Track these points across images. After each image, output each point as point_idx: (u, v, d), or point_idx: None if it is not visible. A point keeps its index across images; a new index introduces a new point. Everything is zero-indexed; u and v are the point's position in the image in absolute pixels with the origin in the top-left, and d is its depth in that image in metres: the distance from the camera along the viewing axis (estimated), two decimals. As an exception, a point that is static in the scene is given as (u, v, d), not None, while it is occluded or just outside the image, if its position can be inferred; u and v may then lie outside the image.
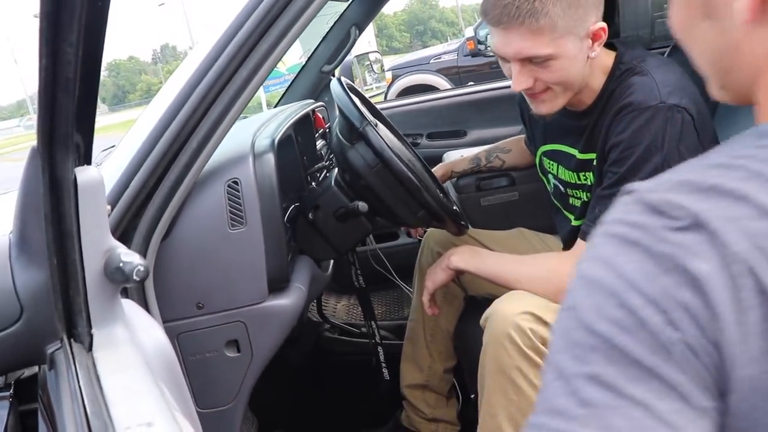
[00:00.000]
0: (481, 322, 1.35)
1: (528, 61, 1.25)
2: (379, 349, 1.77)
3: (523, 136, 1.85)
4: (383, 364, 1.78)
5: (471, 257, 1.44)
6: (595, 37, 1.26)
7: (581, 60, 1.27)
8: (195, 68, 1.16)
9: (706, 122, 1.31)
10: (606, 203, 1.26)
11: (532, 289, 1.33)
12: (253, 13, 1.14)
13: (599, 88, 1.35)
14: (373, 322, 1.76)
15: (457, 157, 2.06)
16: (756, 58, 0.53)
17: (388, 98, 8.16)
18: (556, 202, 1.58)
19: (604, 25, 1.26)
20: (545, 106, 1.34)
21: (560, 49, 1.23)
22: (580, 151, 1.40)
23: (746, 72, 0.54)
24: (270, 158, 1.28)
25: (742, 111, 1.63)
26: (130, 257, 0.81)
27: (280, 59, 1.19)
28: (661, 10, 6.94)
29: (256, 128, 1.42)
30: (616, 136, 1.26)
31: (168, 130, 1.14)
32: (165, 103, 1.16)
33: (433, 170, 1.86)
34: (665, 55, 1.93)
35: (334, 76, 2.71)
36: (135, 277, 0.80)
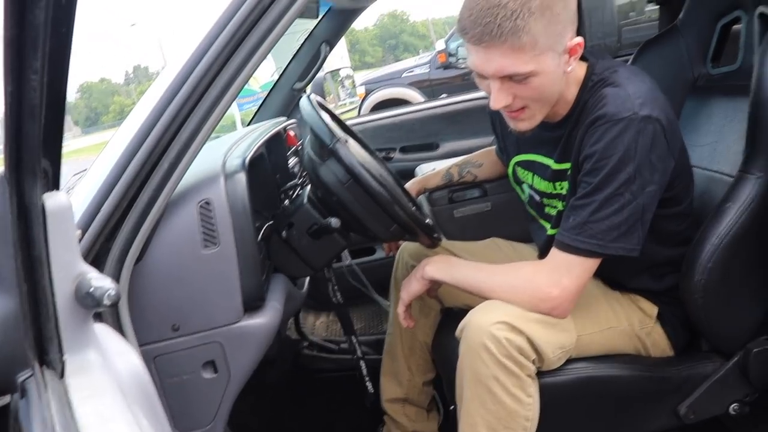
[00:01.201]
0: (457, 333, 1.35)
1: (508, 78, 1.26)
2: (362, 363, 1.77)
3: (494, 147, 1.87)
4: (366, 378, 1.78)
5: (445, 267, 1.45)
6: (571, 52, 1.28)
7: (559, 75, 1.29)
8: (165, 89, 1.16)
9: (676, 130, 1.34)
10: (580, 213, 1.28)
11: (508, 298, 1.34)
12: (222, 32, 1.15)
13: (573, 99, 1.37)
14: (353, 337, 1.77)
15: (430, 169, 2.08)
16: None
17: (361, 113, 8.19)
18: (531, 211, 1.60)
19: (580, 40, 1.28)
20: (524, 124, 1.35)
21: (541, 65, 1.24)
22: (556, 161, 1.42)
23: None
24: (241, 178, 1.28)
25: (703, 114, 1.67)
26: (101, 282, 0.81)
27: (249, 78, 1.20)
28: (627, 18, 7.05)
29: (227, 148, 1.42)
30: (590, 147, 1.28)
31: (139, 152, 1.14)
32: (136, 125, 1.17)
33: (405, 186, 1.87)
34: (629, 62, 1.96)
35: (305, 92, 2.72)
36: (106, 302, 0.80)
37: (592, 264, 1.31)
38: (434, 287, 1.53)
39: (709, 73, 1.75)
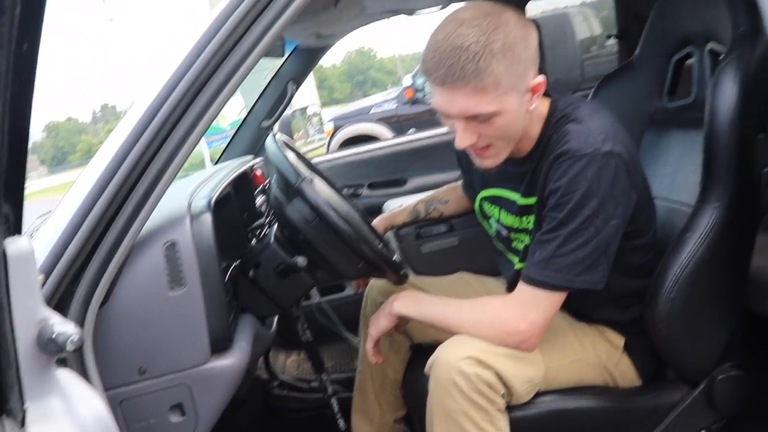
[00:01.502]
0: (426, 369, 1.36)
1: (472, 118, 1.27)
2: (333, 401, 1.75)
3: (460, 182, 1.89)
4: (338, 416, 1.77)
5: (413, 303, 1.46)
6: (534, 90, 1.31)
7: (522, 113, 1.31)
8: (130, 130, 1.16)
9: (637, 164, 1.37)
10: (546, 247, 1.30)
11: (476, 333, 1.34)
12: (187, 73, 1.16)
13: (537, 135, 1.39)
14: (324, 375, 1.75)
15: (397, 205, 2.09)
16: None
17: (330, 149, 8.22)
18: (498, 245, 1.61)
19: (542, 79, 1.31)
20: (489, 161, 1.37)
21: (504, 105, 1.26)
22: (522, 196, 1.44)
23: None
24: (207, 219, 1.28)
25: (661, 146, 1.71)
26: (63, 327, 0.80)
27: (214, 119, 1.20)
28: (589, 52, 7.20)
29: (193, 188, 1.42)
30: (554, 182, 1.30)
31: (104, 194, 1.13)
32: (101, 166, 1.16)
33: (372, 223, 1.88)
34: (589, 96, 2.01)
35: (273, 131, 2.73)
36: (69, 347, 0.79)
37: (558, 298, 1.32)
38: (402, 323, 1.53)
39: (666, 107, 1.80)
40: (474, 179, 1.64)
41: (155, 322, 1.23)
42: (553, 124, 1.37)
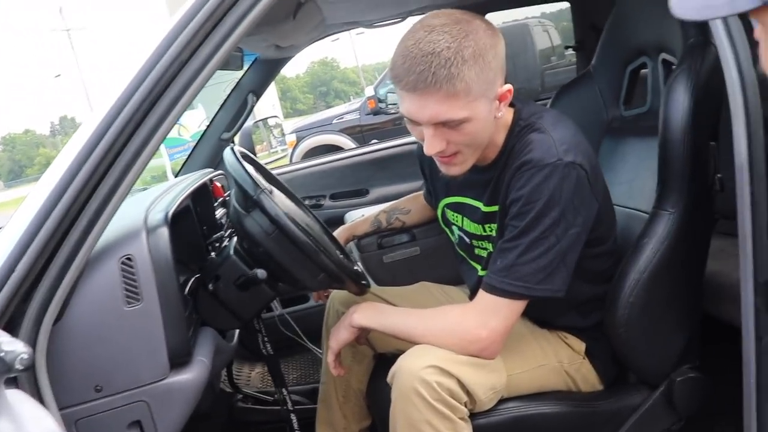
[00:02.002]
0: (388, 378, 1.35)
1: (442, 124, 1.27)
2: (292, 416, 1.74)
3: (422, 192, 1.90)
4: (297, 431, 1.75)
5: (373, 314, 1.45)
6: (501, 98, 1.32)
7: (490, 121, 1.32)
8: (83, 144, 1.14)
9: (598, 174, 1.39)
10: (507, 256, 1.31)
11: (437, 342, 1.35)
12: (140, 87, 1.14)
13: (501, 144, 1.40)
14: (284, 389, 1.74)
15: (359, 216, 2.09)
16: None
17: (293, 161, 8.19)
18: (461, 252, 1.62)
19: (510, 87, 1.32)
20: (456, 168, 1.37)
21: (474, 111, 1.26)
22: (485, 204, 1.44)
23: None
24: (164, 232, 1.26)
25: (618, 154, 1.74)
26: (11, 346, 0.78)
27: (170, 130, 1.19)
28: (549, 62, 7.30)
29: (149, 202, 1.40)
30: (516, 192, 1.31)
31: (56, 209, 1.11)
32: (53, 180, 1.14)
33: (333, 234, 1.87)
34: (548, 104, 2.04)
35: (234, 143, 2.71)
36: (18, 366, 0.77)
37: (519, 305, 1.33)
38: (363, 335, 1.53)
39: (622, 115, 1.83)
40: (437, 187, 1.65)
41: (111, 338, 1.21)
42: (517, 132, 1.38)
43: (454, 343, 1.34)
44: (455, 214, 1.58)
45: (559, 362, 1.48)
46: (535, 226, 1.28)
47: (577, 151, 1.31)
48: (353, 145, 8.25)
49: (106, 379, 1.22)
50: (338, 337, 1.47)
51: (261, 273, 1.39)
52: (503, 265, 1.31)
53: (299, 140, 9.36)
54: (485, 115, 1.29)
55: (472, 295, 1.58)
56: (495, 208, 1.41)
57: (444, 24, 1.24)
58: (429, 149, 1.31)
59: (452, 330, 1.35)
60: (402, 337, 1.41)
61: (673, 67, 1.52)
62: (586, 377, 1.50)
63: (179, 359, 1.27)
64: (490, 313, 1.33)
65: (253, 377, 2.60)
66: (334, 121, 9.63)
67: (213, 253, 1.61)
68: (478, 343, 1.33)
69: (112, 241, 1.23)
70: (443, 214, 1.64)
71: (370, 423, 1.79)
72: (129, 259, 1.21)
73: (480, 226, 1.48)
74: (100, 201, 1.12)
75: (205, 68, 1.16)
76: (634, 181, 1.67)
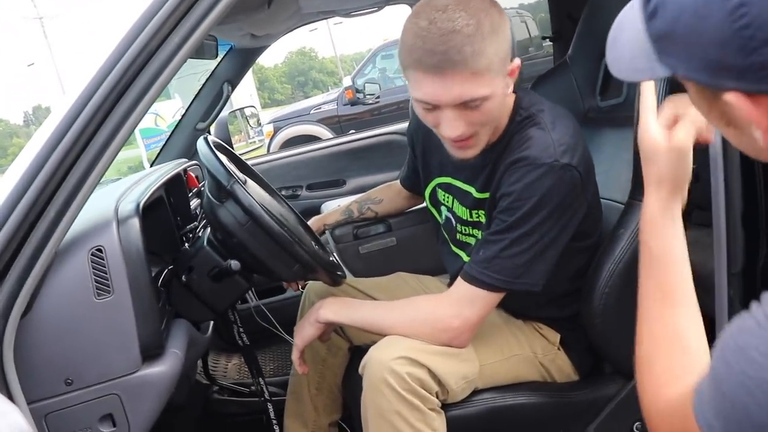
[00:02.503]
0: (359, 369, 1.35)
1: (463, 105, 1.24)
2: (269, 405, 1.73)
3: (395, 181, 1.89)
4: (274, 421, 1.74)
5: (340, 308, 1.44)
6: (511, 74, 1.30)
7: (503, 98, 1.31)
8: (51, 132, 1.12)
9: (591, 175, 1.39)
10: (490, 248, 1.30)
11: (408, 332, 1.34)
12: (111, 73, 1.11)
13: (502, 128, 1.39)
14: (261, 379, 1.73)
15: (335, 207, 2.08)
16: None
17: (271, 151, 8.15)
18: (444, 234, 1.60)
19: (518, 62, 1.30)
20: (471, 151, 1.35)
21: (493, 89, 1.24)
22: (477, 190, 1.43)
23: None
24: (135, 223, 1.24)
25: (594, 144, 1.74)
26: (-23, 339, 0.76)
27: (140, 120, 1.17)
28: (527, 53, 7.31)
29: (120, 193, 1.38)
30: (508, 186, 1.31)
31: (22, 200, 1.08)
32: (19, 170, 1.11)
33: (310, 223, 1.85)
34: (530, 86, 2.03)
35: (209, 133, 2.69)
36: (-17, 360, 0.75)
37: (495, 297, 1.33)
38: (329, 330, 1.51)
39: (598, 105, 1.83)
40: (431, 165, 1.60)
41: (82, 330, 1.19)
42: (518, 122, 1.37)
43: (426, 333, 1.33)
44: (446, 195, 1.56)
45: (533, 352, 1.48)
46: (523, 224, 1.28)
47: (574, 153, 1.31)
48: (331, 136, 8.22)
49: (77, 372, 1.20)
50: (302, 333, 1.46)
51: (235, 264, 1.38)
52: (485, 257, 1.31)
53: (277, 131, 9.33)
54: (501, 91, 1.28)
55: (452, 282, 1.58)
56: (486, 195, 1.40)
57: (456, 2, 1.21)
58: (452, 131, 1.27)
59: (424, 319, 1.35)
60: (372, 329, 1.40)
61: (649, 57, 1.52)
62: (561, 368, 1.51)
63: (151, 351, 1.25)
64: (466, 303, 1.32)
65: (229, 368, 2.58)
66: (312, 112, 9.60)
67: (186, 244, 1.59)
68: (449, 332, 1.33)
69: (82, 233, 1.21)
70: (433, 193, 1.61)
71: (340, 416, 1.79)
72: (99, 250, 1.19)
73: (469, 211, 1.47)
74: (69, 192, 1.10)
75: (175, 57, 1.14)
76: (609, 172, 1.67)
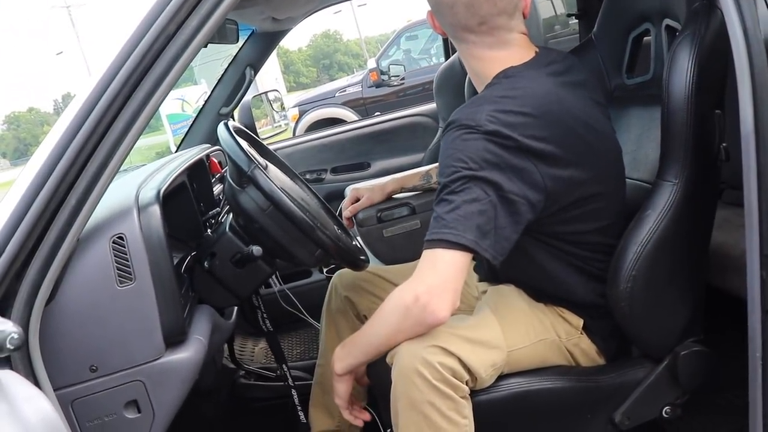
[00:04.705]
0: (388, 359, 1.33)
1: None
2: (293, 392, 1.73)
3: None
4: (298, 407, 1.75)
5: (345, 352, 1.40)
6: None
7: None
8: (71, 120, 1.12)
9: (560, 156, 1.31)
10: (436, 210, 1.27)
11: (392, 331, 1.31)
12: (129, 59, 1.11)
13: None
14: (284, 365, 1.73)
15: (368, 185, 2.07)
16: None
17: (296, 134, 8.17)
18: None
19: None
20: None
21: None
22: None
23: None
24: (155, 210, 1.24)
25: (622, 124, 1.70)
26: (2, 326, 0.77)
27: (159, 106, 1.17)
28: (552, 31, 7.21)
29: (141, 179, 1.38)
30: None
31: (44, 188, 1.09)
32: (41, 159, 1.12)
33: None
34: None
35: (233, 118, 2.69)
36: (9, 346, 0.76)
37: (456, 257, 1.25)
38: (360, 374, 1.48)
39: (625, 84, 1.79)
40: None
41: (105, 318, 1.20)
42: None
43: (400, 320, 1.28)
44: None
45: (558, 336, 1.46)
46: (451, 183, 1.25)
47: (511, 122, 1.26)
48: (356, 118, 8.21)
49: (101, 359, 1.21)
50: (338, 393, 1.43)
51: (257, 250, 1.38)
52: (433, 220, 1.27)
53: (302, 114, 9.33)
54: None
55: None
56: None
57: None
58: None
59: (395, 306, 1.30)
60: (378, 352, 1.36)
61: (677, 33, 1.48)
62: (586, 352, 1.48)
63: (175, 338, 1.26)
64: (427, 269, 1.26)
65: (256, 353, 2.60)
66: (337, 95, 9.58)
67: (209, 230, 1.60)
68: (418, 303, 1.25)
69: (103, 220, 1.22)
70: None
71: (365, 404, 1.78)
72: (120, 238, 1.20)
73: None
74: (89, 179, 1.11)
75: (194, 41, 1.13)
76: (637, 152, 1.63)
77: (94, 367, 1.21)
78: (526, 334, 1.43)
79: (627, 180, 1.60)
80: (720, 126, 1.37)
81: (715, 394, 1.60)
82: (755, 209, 1.18)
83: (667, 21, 1.59)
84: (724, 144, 1.37)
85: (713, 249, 1.52)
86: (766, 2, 1.24)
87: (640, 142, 1.63)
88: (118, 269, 1.20)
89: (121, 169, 1.18)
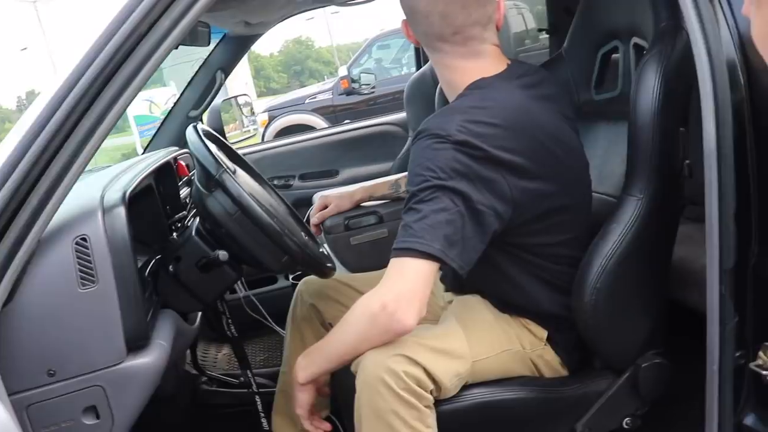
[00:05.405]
0: (352, 367, 1.32)
1: None
2: (257, 398, 1.72)
3: None
4: (262, 414, 1.73)
5: (308, 361, 1.39)
6: None
7: None
8: (35, 118, 1.10)
9: (528, 167, 1.32)
10: (404, 218, 1.28)
11: (359, 338, 1.30)
12: (97, 57, 1.10)
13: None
14: (248, 371, 1.72)
15: (336, 193, 2.07)
16: None
17: (265, 140, 8.14)
18: None
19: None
20: None
21: None
22: None
23: None
24: (120, 212, 1.23)
25: (589, 138, 1.72)
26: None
27: (127, 107, 1.15)
28: (523, 45, 7.26)
29: (107, 180, 1.36)
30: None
31: (4, 188, 1.07)
32: (1, 158, 1.09)
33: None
34: None
35: (202, 121, 2.67)
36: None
37: (423, 266, 1.25)
38: (320, 384, 1.46)
39: (593, 99, 1.81)
40: None
41: (65, 320, 1.18)
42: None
43: (367, 327, 1.28)
44: None
45: (522, 347, 1.47)
46: (419, 192, 1.26)
47: (481, 132, 1.27)
48: (326, 126, 8.20)
49: (60, 363, 1.18)
50: (299, 402, 1.41)
51: (223, 254, 1.37)
52: (401, 228, 1.28)
53: (272, 119, 9.30)
54: None
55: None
56: None
57: None
58: None
59: (361, 314, 1.29)
60: (344, 360, 1.35)
61: (644, 51, 1.51)
62: (550, 363, 1.49)
63: (137, 342, 1.24)
64: (395, 277, 1.26)
65: (219, 359, 2.57)
66: (307, 101, 9.57)
67: (175, 234, 1.58)
68: (386, 311, 1.25)
69: (67, 221, 1.19)
70: None
71: (329, 412, 1.77)
72: (84, 239, 1.18)
73: None
74: (52, 180, 1.09)
75: (164, 42, 1.12)
76: (604, 166, 1.65)
77: (51, 371, 1.18)
78: (490, 345, 1.43)
79: (594, 194, 1.62)
80: (684, 143, 1.40)
81: (673, 405, 1.62)
82: (716, 225, 1.20)
83: (636, 39, 1.62)
84: (687, 161, 1.40)
85: (674, 263, 1.55)
86: (728, 25, 1.27)
87: (606, 156, 1.66)
88: (80, 271, 1.17)
89: (86, 169, 1.16)
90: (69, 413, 1.20)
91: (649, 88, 1.37)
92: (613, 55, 1.77)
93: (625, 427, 1.52)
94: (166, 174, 1.74)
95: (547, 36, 2.92)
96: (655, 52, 1.39)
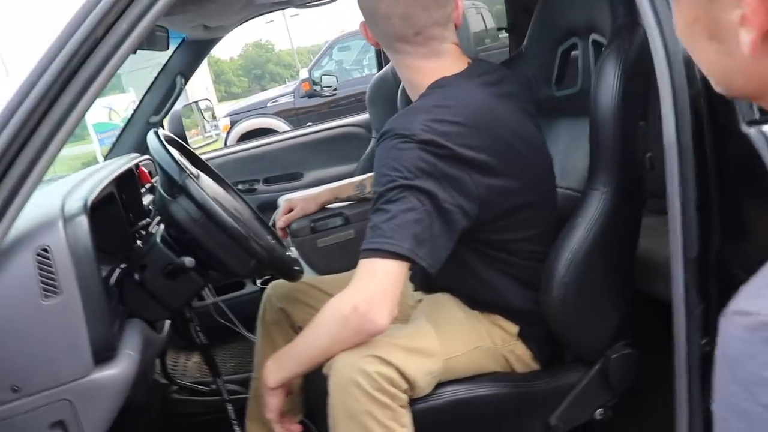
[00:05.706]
0: (324, 369, 1.32)
1: None
2: (229, 406, 1.70)
3: None
4: (234, 422, 1.71)
5: (277, 365, 1.38)
6: None
7: None
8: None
9: (492, 164, 1.33)
10: (372, 219, 1.27)
11: (340, 343, 1.29)
12: (53, 63, 1.07)
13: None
14: (218, 379, 1.70)
15: (301, 196, 2.06)
16: (763, 77, 0.57)
17: (228, 145, 8.07)
18: None
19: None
20: None
21: None
22: None
23: (752, 86, 0.58)
24: (82, 221, 1.20)
25: (551, 134, 1.74)
26: None
27: (84, 113, 1.12)
28: (483, 44, 7.32)
29: (67, 189, 1.33)
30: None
31: None
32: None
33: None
34: None
35: (163, 127, 2.64)
36: None
37: (394, 266, 1.25)
38: (291, 387, 1.46)
39: (554, 95, 1.83)
40: None
41: (28, 334, 1.14)
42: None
43: (339, 329, 1.28)
44: None
45: (494, 343, 1.48)
46: (387, 192, 1.26)
47: (443, 130, 1.28)
48: (288, 129, 8.16)
49: (24, 379, 1.15)
50: (269, 407, 1.40)
51: (189, 261, 1.35)
52: (369, 229, 1.27)
53: (233, 124, 9.23)
54: None
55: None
56: None
57: None
58: None
59: (331, 317, 1.29)
60: (315, 363, 1.34)
61: (603, 47, 1.53)
62: (521, 358, 1.51)
63: (104, 354, 1.22)
64: (366, 277, 1.26)
65: (189, 367, 2.54)
66: (269, 105, 9.53)
67: (139, 242, 1.56)
68: (358, 312, 1.24)
69: (26, 232, 1.16)
70: None
71: (303, 415, 1.76)
72: (45, 250, 1.15)
73: None
74: (9, 190, 1.06)
75: (122, 47, 1.10)
76: (566, 162, 1.67)
77: (16, 387, 1.15)
78: (462, 342, 1.44)
79: (558, 189, 1.63)
80: (644, 137, 1.42)
81: (644, 395, 1.65)
82: (678, 215, 1.22)
83: (594, 36, 1.64)
84: (648, 154, 1.42)
85: (639, 255, 1.57)
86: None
87: (569, 152, 1.67)
88: (42, 283, 1.14)
89: (45, 179, 1.14)
90: (36, 429, 1.17)
91: (608, 84, 1.38)
92: (573, 52, 1.79)
93: (598, 418, 1.53)
94: (128, 181, 1.71)
95: (507, 34, 2.95)
96: (614, 48, 1.41)
